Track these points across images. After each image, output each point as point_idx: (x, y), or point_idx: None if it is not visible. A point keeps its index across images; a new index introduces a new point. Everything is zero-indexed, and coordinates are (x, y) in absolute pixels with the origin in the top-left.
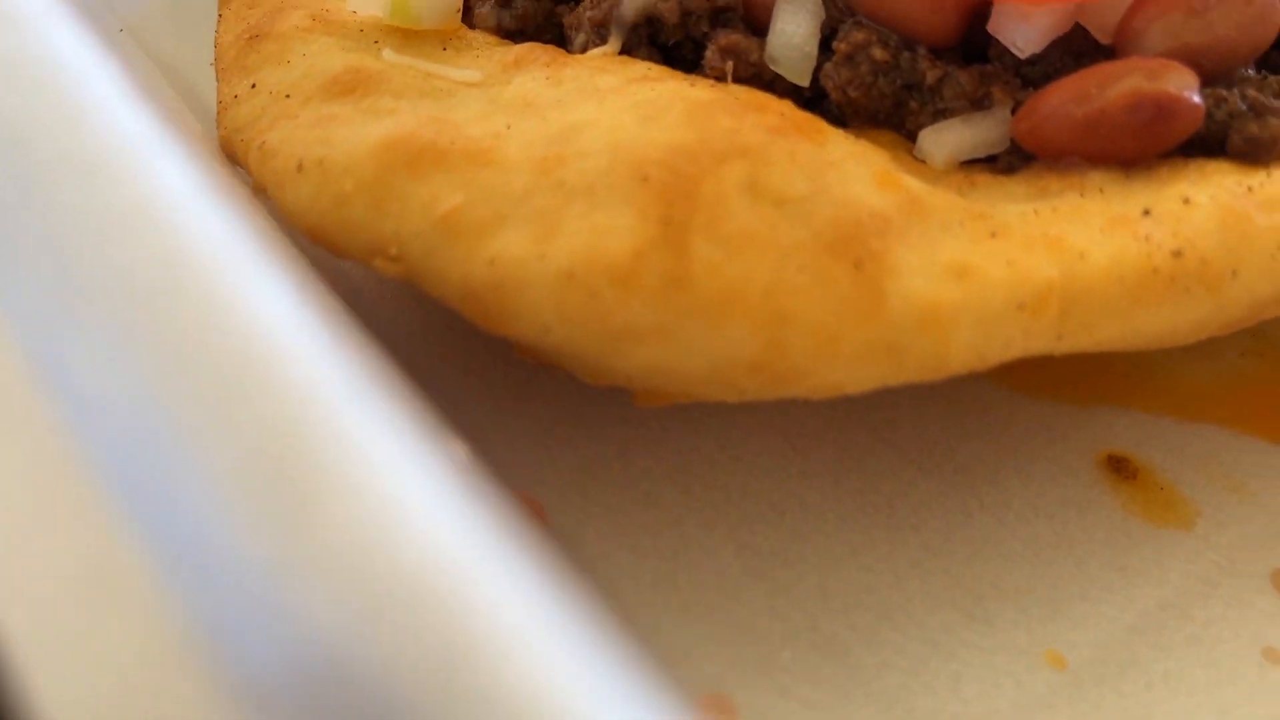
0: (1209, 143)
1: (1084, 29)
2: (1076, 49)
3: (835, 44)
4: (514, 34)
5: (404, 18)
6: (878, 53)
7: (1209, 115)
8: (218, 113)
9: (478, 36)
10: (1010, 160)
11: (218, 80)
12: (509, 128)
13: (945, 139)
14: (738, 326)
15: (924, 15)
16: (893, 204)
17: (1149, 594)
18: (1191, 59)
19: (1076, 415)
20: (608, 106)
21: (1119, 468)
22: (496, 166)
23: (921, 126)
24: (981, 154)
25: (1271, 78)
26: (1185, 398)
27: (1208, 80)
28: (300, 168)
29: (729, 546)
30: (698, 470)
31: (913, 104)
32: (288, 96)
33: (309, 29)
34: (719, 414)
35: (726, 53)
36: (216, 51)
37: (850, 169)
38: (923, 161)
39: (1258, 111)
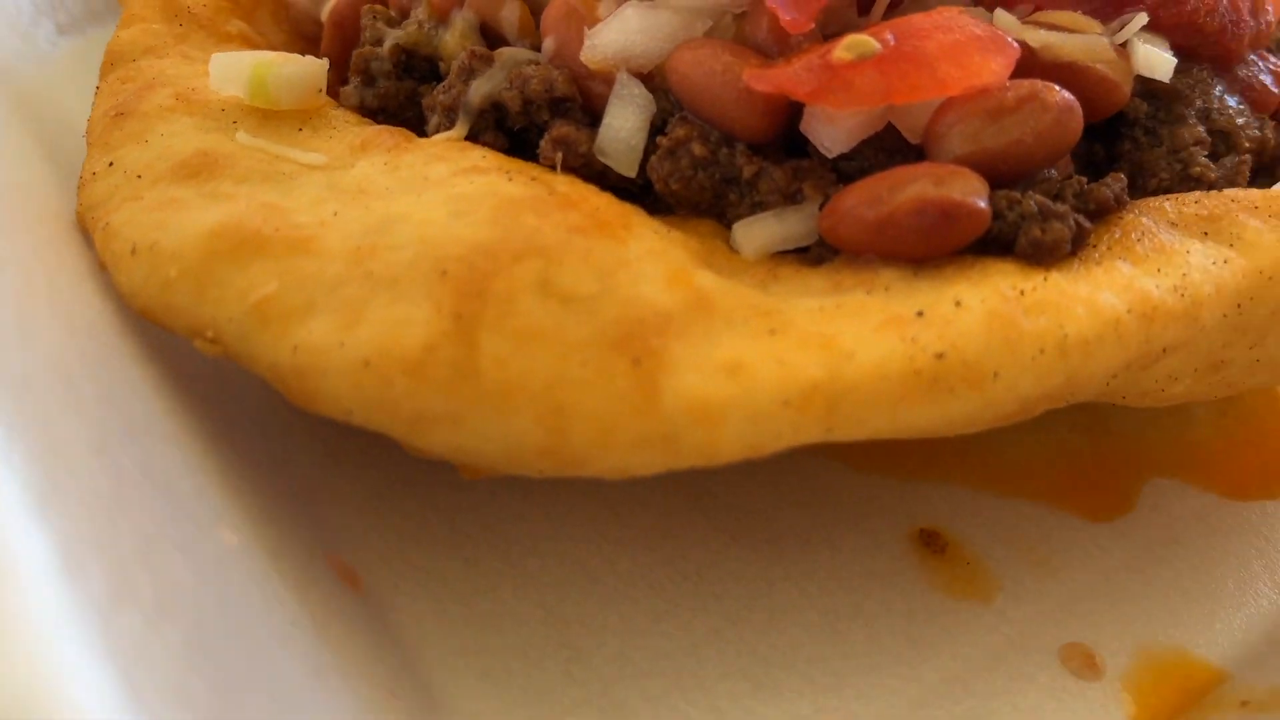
0: (1003, 242)
1: (896, 129)
2: (890, 147)
3: (658, 138)
4: (375, 112)
5: (263, 99)
6: (697, 148)
7: (1001, 216)
8: (78, 187)
9: (340, 115)
10: (820, 252)
11: (87, 153)
12: (335, 215)
13: (756, 232)
14: (522, 416)
15: (740, 114)
16: (679, 302)
17: (937, 667)
18: (988, 163)
19: (899, 489)
20: (426, 200)
21: (929, 541)
22: (314, 255)
23: (740, 218)
24: (790, 246)
25: (1076, 178)
26: (1007, 473)
27: (1007, 181)
28: (134, 251)
29: (538, 612)
30: (519, 536)
31: (732, 196)
32: (139, 177)
33: (171, 108)
34: (545, 481)
35: (558, 143)
36: (88, 125)
37: (645, 267)
38: (737, 252)
39: (1044, 215)
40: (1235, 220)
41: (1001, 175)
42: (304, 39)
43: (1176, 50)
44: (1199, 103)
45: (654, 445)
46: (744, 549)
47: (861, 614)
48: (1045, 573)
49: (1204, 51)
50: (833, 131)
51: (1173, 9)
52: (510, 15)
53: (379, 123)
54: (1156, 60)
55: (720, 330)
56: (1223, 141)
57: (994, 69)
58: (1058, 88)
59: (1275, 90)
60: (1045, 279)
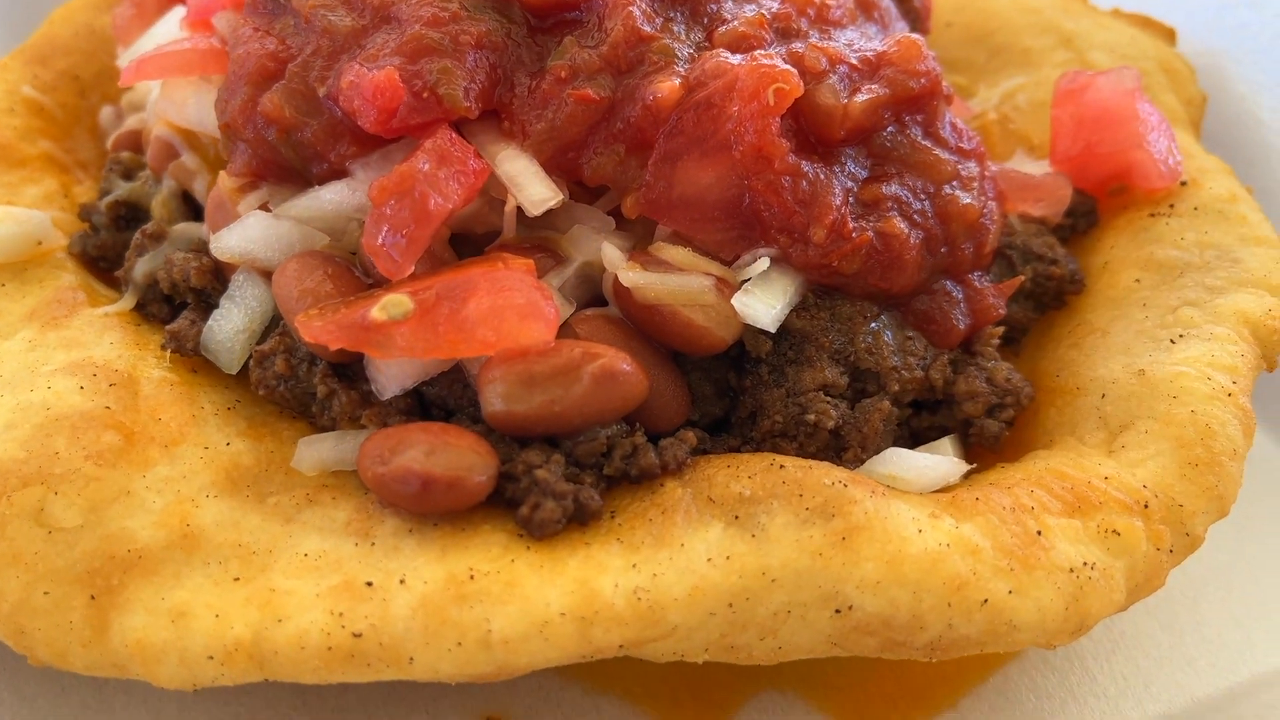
0: (518, 503)
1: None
2: (463, 380)
3: (257, 347)
4: (96, 260)
5: None
6: (280, 364)
7: (515, 479)
8: None
9: (55, 267)
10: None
11: None
12: None
13: (313, 451)
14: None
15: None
16: (162, 539)
17: None
18: (520, 424)
19: None
20: (4, 402)
21: None
22: None
23: (323, 427)
24: (342, 468)
25: (631, 440)
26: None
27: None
28: None
29: None
30: None
31: (314, 408)
32: None
33: None
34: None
35: (171, 337)
36: None
37: (149, 499)
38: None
39: (543, 491)
40: (770, 508)
41: (540, 434)
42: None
43: (825, 288)
44: (836, 342)
45: (106, 670)
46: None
47: None
48: None
49: (856, 288)
50: (383, 377)
51: (802, 252)
52: (200, 187)
53: (99, 270)
54: (755, 311)
55: (191, 571)
56: (872, 381)
57: (533, 334)
58: (610, 353)
59: (961, 321)
60: (513, 561)
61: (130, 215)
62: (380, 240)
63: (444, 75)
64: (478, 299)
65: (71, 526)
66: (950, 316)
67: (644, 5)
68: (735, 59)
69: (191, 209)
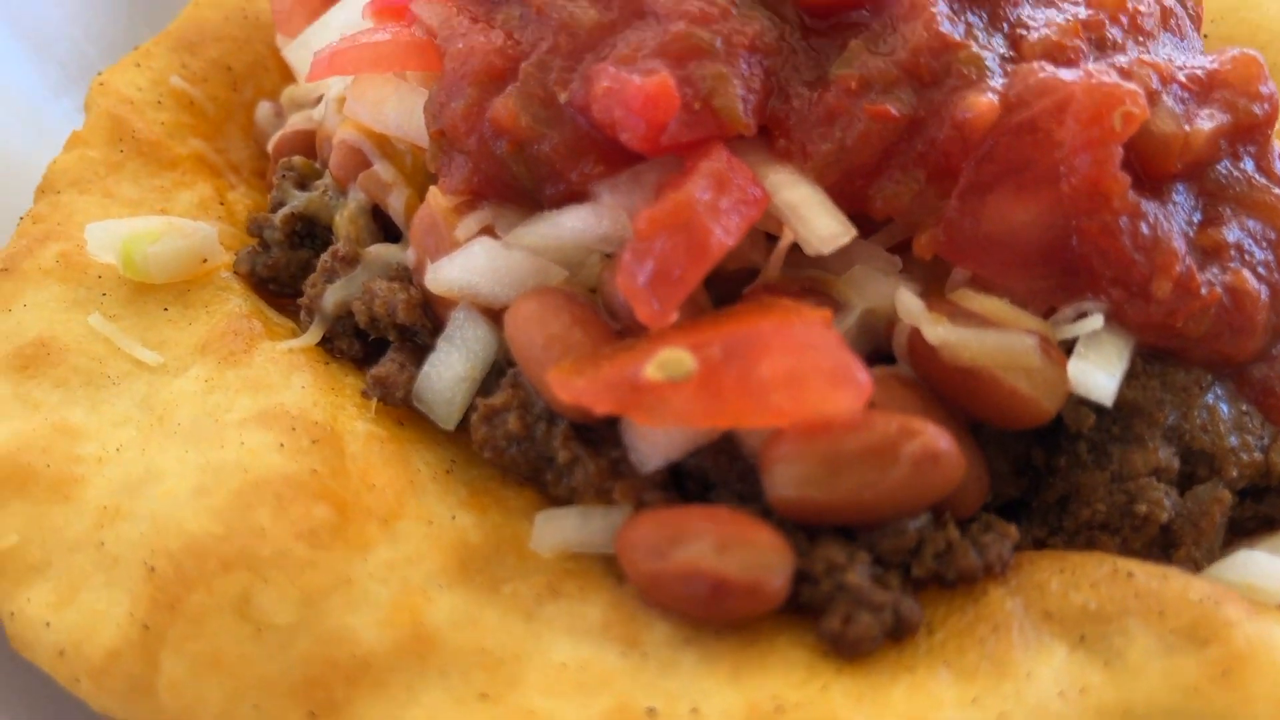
0: (815, 608)
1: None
2: (731, 450)
3: (479, 398)
4: (267, 281)
5: (135, 274)
6: (513, 423)
7: (814, 581)
8: None
9: (220, 288)
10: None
11: None
12: (119, 450)
13: (554, 529)
14: None
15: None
16: (391, 641)
17: None
18: (817, 514)
19: None
20: (191, 459)
21: None
22: (72, 503)
23: (558, 497)
24: (589, 551)
25: (944, 534)
26: None
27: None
28: None
29: None
30: None
31: (549, 475)
32: None
33: (49, 271)
34: None
35: (376, 383)
36: None
37: (370, 589)
38: None
39: (856, 599)
40: (1126, 627)
41: (835, 524)
42: (269, 157)
43: (1155, 351)
44: (1170, 417)
45: None
46: None
47: None
48: None
49: (1194, 354)
50: (646, 445)
51: (1140, 309)
52: (397, 203)
53: (269, 292)
54: (1093, 381)
55: (428, 685)
56: (1204, 465)
57: (841, 404)
58: (929, 430)
59: None
60: (825, 688)
61: (306, 230)
62: (643, 280)
63: (719, 83)
64: (772, 360)
65: (284, 624)
66: None
67: (945, 6)
68: (1067, 74)
69: (382, 227)
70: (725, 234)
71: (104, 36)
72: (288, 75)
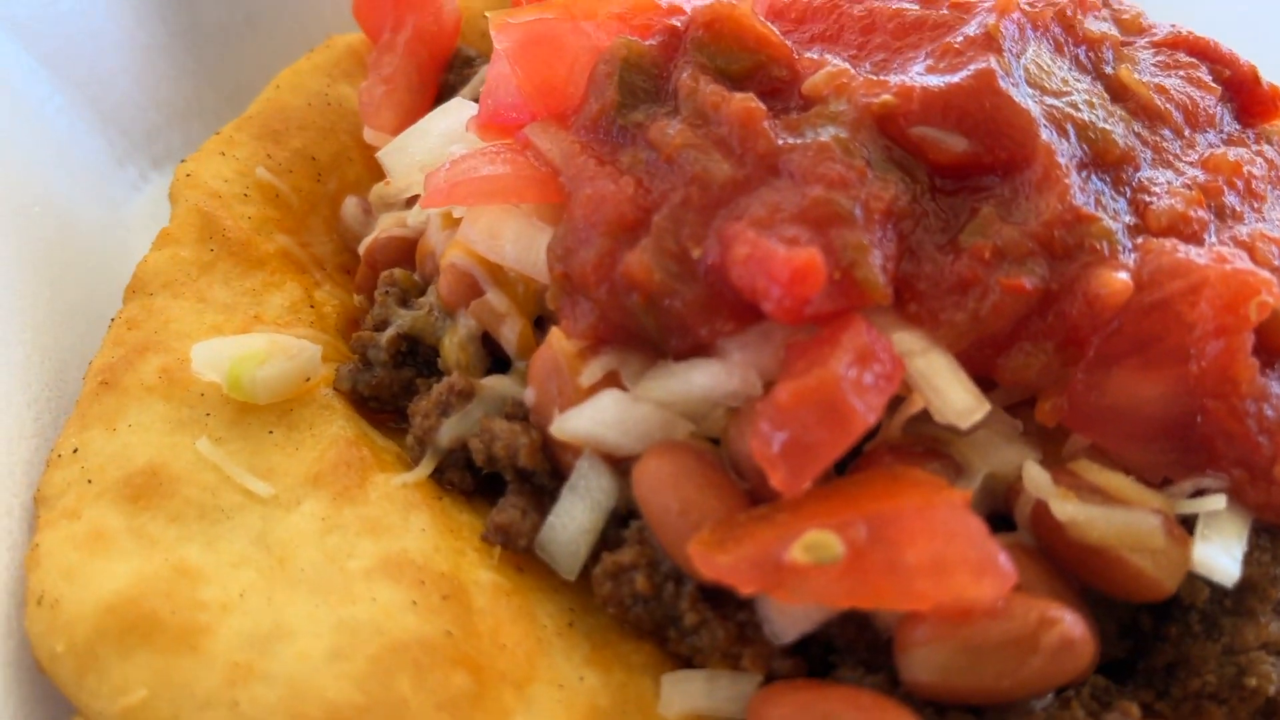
0: None
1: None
2: (861, 621)
3: (605, 553)
4: (367, 399)
5: (240, 393)
6: (641, 582)
7: None
8: (47, 462)
9: (323, 406)
10: None
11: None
12: (241, 596)
13: (681, 693)
14: None
15: (689, 562)
16: None
17: None
18: (955, 697)
19: None
20: (322, 615)
21: None
22: (200, 655)
23: (681, 654)
24: (718, 717)
25: (1069, 713)
26: None
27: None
28: (40, 601)
29: None
30: None
31: (672, 633)
32: (89, 482)
33: (152, 388)
34: None
35: (499, 531)
36: (85, 376)
37: None
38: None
39: None
40: None
41: (966, 704)
42: (352, 252)
43: (1269, 528)
44: None
45: None
46: None
47: None
48: None
49: None
50: (784, 620)
51: (1262, 490)
52: (510, 334)
53: (370, 410)
54: (1219, 566)
55: None
56: None
57: (985, 594)
58: (1066, 618)
59: None
60: None
61: (409, 349)
62: (778, 448)
63: (860, 254)
64: (918, 544)
65: None
66: None
67: (1077, 176)
68: (1198, 255)
69: (491, 353)
70: (868, 410)
71: (169, 104)
72: (372, 165)
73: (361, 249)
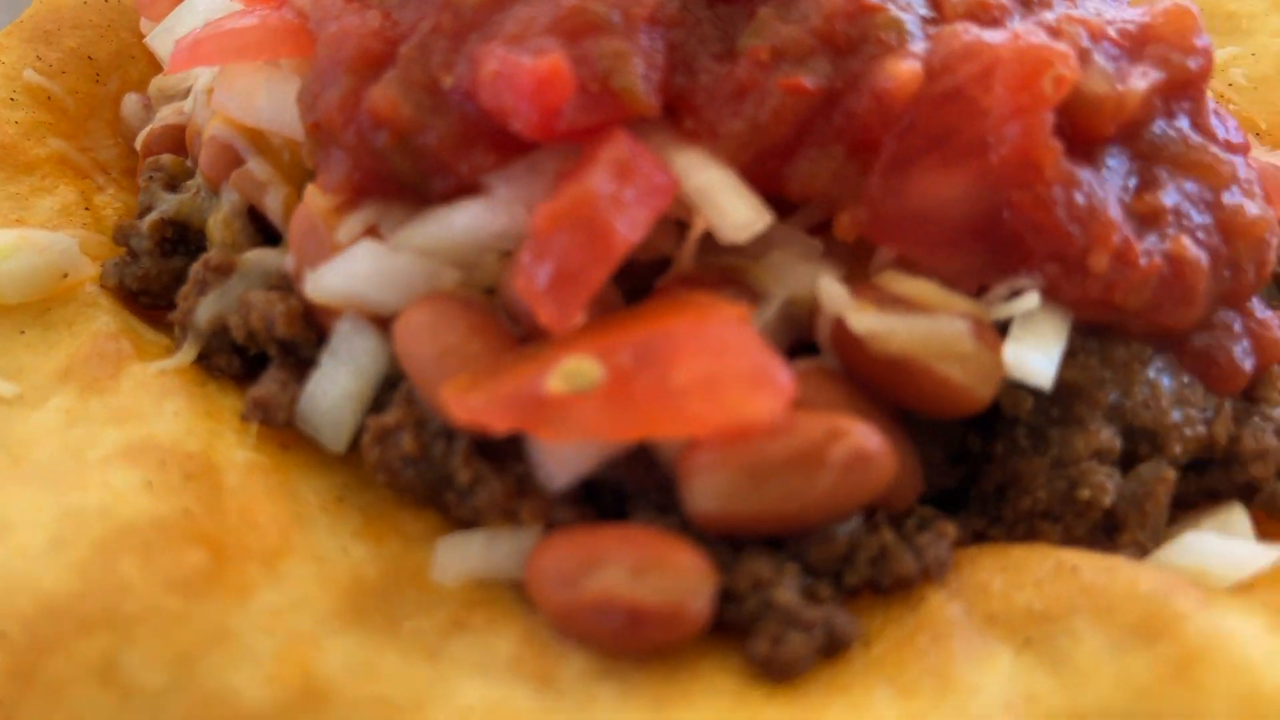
0: (740, 628)
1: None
2: (647, 461)
3: (371, 417)
4: (138, 294)
5: None
6: (408, 443)
7: (739, 599)
8: None
9: (83, 307)
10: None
11: None
12: None
13: (457, 557)
14: None
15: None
16: (278, 698)
17: None
18: (741, 525)
19: None
20: (47, 505)
21: None
22: None
23: (462, 520)
24: (498, 578)
25: (878, 536)
26: None
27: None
28: None
29: None
30: None
31: (450, 497)
32: None
33: None
34: None
35: (257, 406)
36: None
37: (252, 641)
38: None
39: (785, 619)
40: (1073, 627)
41: (761, 535)
42: (139, 155)
43: (1092, 326)
44: (1112, 395)
45: None
46: None
47: None
48: None
49: (1133, 327)
50: (553, 461)
51: (1077, 284)
52: (274, 203)
53: (140, 306)
54: (1032, 367)
55: None
56: (1146, 443)
57: (762, 409)
58: (857, 429)
59: (1245, 361)
60: (754, 716)
61: (178, 236)
62: (543, 283)
63: (618, 62)
64: (686, 363)
65: (154, 688)
66: (1233, 356)
67: None
68: (992, 36)
69: (260, 229)
70: (630, 229)
71: None
72: (156, 64)
73: (138, 144)
